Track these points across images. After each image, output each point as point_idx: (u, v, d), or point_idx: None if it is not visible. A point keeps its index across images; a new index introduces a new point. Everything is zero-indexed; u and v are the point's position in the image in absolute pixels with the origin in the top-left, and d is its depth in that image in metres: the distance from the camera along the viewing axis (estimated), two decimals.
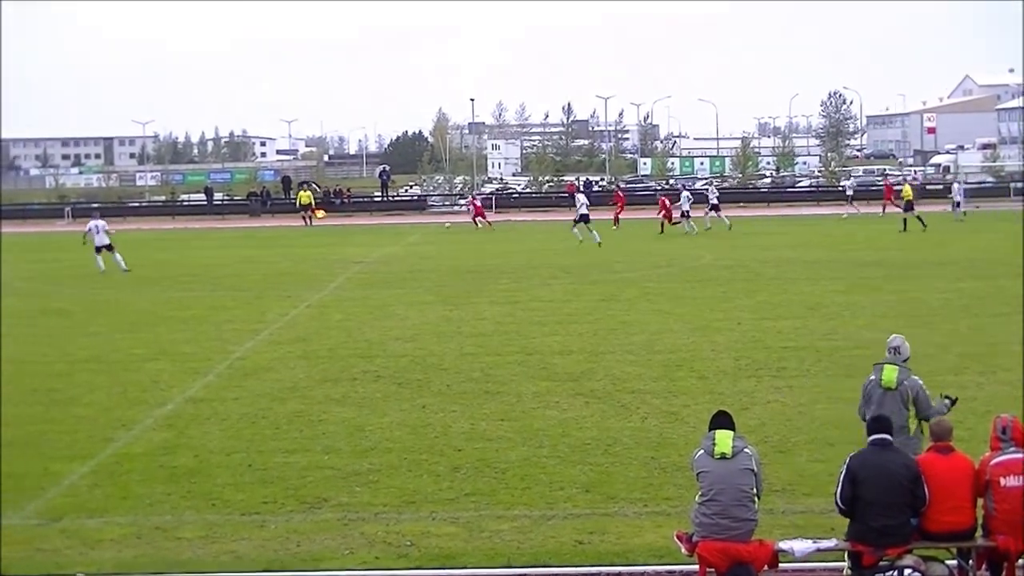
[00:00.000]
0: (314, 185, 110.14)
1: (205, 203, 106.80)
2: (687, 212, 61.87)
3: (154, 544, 13.29)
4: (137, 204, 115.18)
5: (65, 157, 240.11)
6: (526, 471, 15.84)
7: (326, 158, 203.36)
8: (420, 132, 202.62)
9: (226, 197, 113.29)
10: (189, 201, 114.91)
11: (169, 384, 22.39)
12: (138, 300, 36.72)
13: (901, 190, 64.98)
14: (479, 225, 68.82)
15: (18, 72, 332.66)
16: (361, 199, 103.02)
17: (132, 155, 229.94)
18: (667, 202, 63.15)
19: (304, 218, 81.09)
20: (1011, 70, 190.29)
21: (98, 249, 45.77)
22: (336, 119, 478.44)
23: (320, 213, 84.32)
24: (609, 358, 23.95)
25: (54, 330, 30.62)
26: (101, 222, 46.82)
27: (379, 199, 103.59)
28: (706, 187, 75.12)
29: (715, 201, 65.07)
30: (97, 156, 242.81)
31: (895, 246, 48.58)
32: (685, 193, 65.38)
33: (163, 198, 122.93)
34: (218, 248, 60.31)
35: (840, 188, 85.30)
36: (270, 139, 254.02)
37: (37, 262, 51.03)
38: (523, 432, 17.97)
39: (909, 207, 59.06)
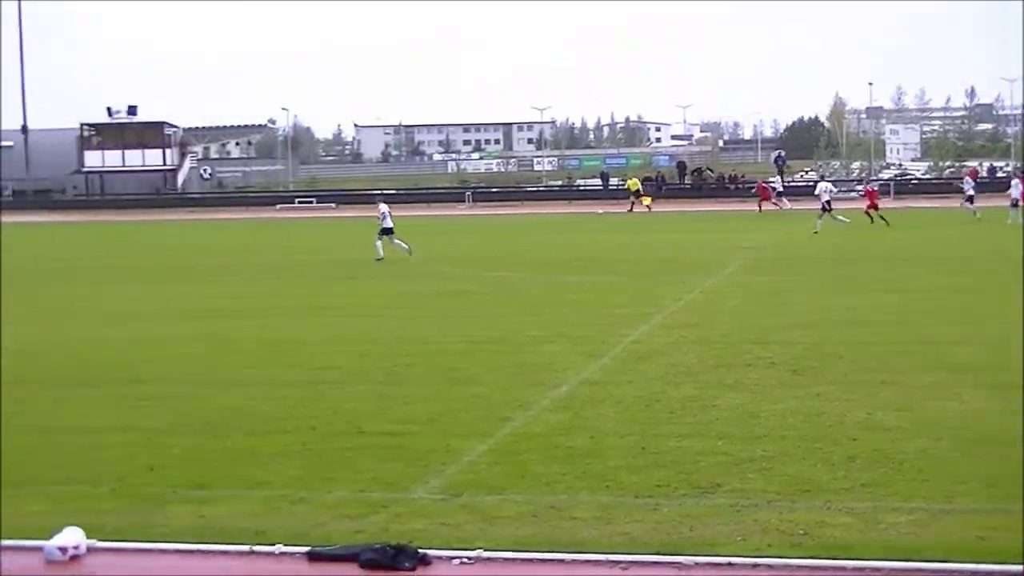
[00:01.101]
0: (708, 171, 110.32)
1: (601, 188, 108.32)
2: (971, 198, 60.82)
3: (550, 523, 13.49)
4: (535, 188, 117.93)
5: (466, 143, 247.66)
6: (924, 463, 15.39)
7: (721, 143, 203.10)
8: (816, 117, 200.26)
9: (621, 182, 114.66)
10: (585, 185, 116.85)
11: (564, 366, 22.72)
12: (533, 283, 37.52)
13: None
14: (782, 207, 76.03)
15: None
16: (754, 184, 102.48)
17: (530, 140, 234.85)
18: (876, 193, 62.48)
19: (631, 203, 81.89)
20: None
21: (384, 232, 47.40)
22: (732, 104, 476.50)
23: (646, 200, 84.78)
24: (1013, 350, 23.06)
25: (454, 311, 31.65)
26: (387, 207, 48.58)
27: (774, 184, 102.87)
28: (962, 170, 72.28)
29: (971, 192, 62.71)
30: (496, 142, 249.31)
31: None
32: (970, 183, 64.27)
33: (560, 183, 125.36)
34: (613, 232, 61.03)
35: None
36: (665, 124, 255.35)
37: (433, 245, 52.69)
38: (921, 423, 17.49)
39: None
